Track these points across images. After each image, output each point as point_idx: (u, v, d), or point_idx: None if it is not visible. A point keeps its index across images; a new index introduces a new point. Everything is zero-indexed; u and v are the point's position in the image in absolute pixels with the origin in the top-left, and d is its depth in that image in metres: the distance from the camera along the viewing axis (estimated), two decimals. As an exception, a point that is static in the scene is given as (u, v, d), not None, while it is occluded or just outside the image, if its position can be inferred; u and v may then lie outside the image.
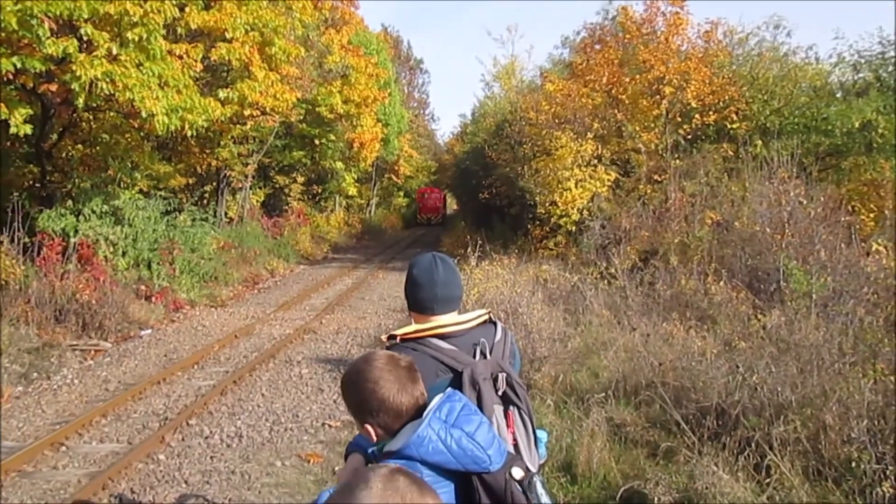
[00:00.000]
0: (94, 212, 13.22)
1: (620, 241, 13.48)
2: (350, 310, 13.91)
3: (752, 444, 4.37)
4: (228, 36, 14.55)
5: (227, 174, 21.92)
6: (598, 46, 17.85)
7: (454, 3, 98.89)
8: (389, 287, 16.96)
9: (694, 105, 15.64)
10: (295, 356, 9.87)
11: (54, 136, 14.23)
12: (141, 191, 15.69)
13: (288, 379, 8.71)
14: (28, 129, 11.33)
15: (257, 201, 25.94)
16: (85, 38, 11.29)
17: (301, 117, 24.87)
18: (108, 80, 11.16)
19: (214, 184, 22.51)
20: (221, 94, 15.02)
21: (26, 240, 11.43)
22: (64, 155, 14.86)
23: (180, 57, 13.41)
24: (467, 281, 8.05)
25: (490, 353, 2.26)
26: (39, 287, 10.76)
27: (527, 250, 16.80)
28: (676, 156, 15.36)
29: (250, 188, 24.37)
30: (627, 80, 16.44)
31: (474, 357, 2.23)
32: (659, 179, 15.37)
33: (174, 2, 12.41)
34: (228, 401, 7.73)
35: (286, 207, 28.10)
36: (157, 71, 12.11)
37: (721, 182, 13.57)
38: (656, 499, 4.05)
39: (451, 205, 57.34)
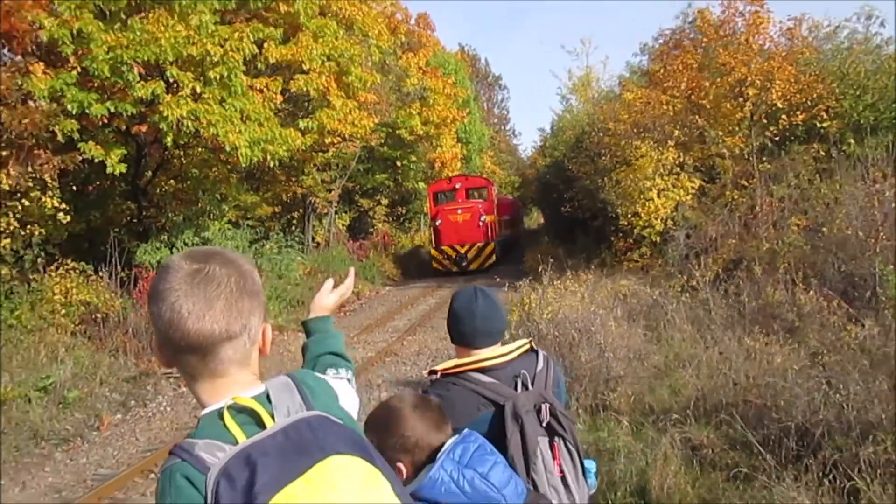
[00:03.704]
0: (185, 244, 13.82)
1: (707, 249, 13.06)
2: (431, 330, 13.96)
3: (839, 467, 4.11)
4: (305, 67, 15.02)
5: (313, 200, 22.54)
6: (675, 52, 17.42)
7: (529, 17, 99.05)
8: (472, 306, 16.92)
9: (780, 105, 15.00)
10: (375, 379, 9.99)
11: (149, 174, 15.01)
12: (230, 221, 16.30)
13: (367, 402, 8.78)
14: (122, 168, 12.01)
15: (343, 225, 26.54)
16: (171, 80, 11.88)
17: (382, 141, 25.35)
18: (192, 117, 11.71)
19: (301, 210, 23.19)
20: (301, 123, 15.53)
21: (123, 273, 12.04)
22: (158, 190, 15.66)
23: (261, 90, 13.93)
24: (540, 301, 7.97)
25: (532, 383, 2.25)
26: (136, 318, 11.31)
27: (610, 263, 16.49)
28: (764, 159, 14.79)
29: (335, 213, 24.97)
30: (708, 84, 15.95)
31: (515, 389, 2.22)
32: (746, 184, 14.83)
33: (253, 39, 12.90)
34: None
35: (371, 230, 28.62)
36: (238, 106, 12.62)
37: (812, 184, 12.99)
38: (731, 526, 3.87)
39: (539, 219, 49.61)
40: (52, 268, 11.46)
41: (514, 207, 32.88)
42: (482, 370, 2.25)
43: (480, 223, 23.14)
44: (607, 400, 6.06)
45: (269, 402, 1.19)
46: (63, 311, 10.95)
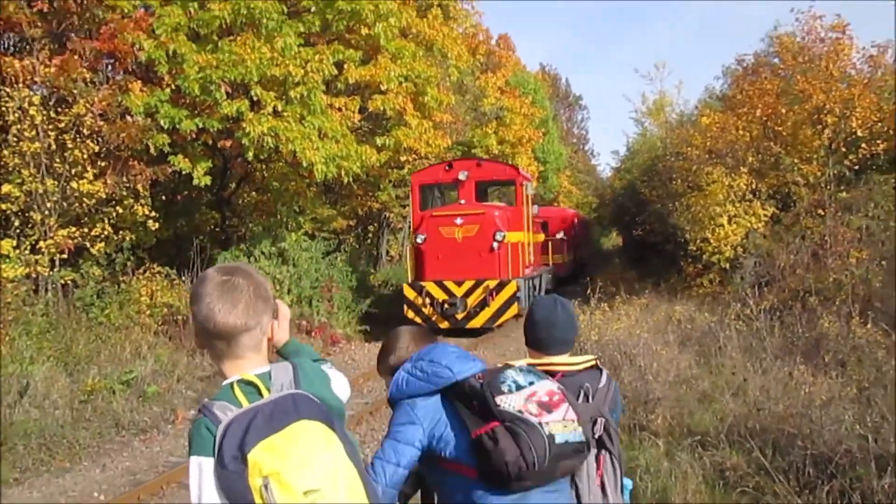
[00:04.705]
0: (263, 253, 14.59)
1: (775, 278, 12.90)
2: (494, 347, 14.19)
3: (852, 497, 4.20)
4: (383, 88, 15.57)
5: (387, 215, 23.19)
6: (752, 77, 17.26)
7: (614, 43, 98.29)
8: (537, 324, 17.07)
9: (860, 134, 14.69)
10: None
11: (232, 186, 15.90)
12: (306, 233, 17.02)
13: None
14: (207, 180, 12.83)
15: (417, 240, 27.05)
16: (255, 98, 12.64)
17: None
18: (272, 134, 12.41)
19: (376, 225, 23.89)
20: (379, 141, 16.11)
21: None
22: (240, 202, 16.55)
23: (339, 109, 14.56)
24: (588, 322, 8.16)
25: (592, 397, 2.42)
26: (213, 322, 12.00)
27: (679, 288, 16.40)
28: (841, 188, 14.49)
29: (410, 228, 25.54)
30: (785, 110, 15.73)
31: (577, 399, 2.36)
32: (822, 213, 14.55)
33: (333, 61, 13.56)
34: (362, 430, 8.31)
35: (445, 246, 29.09)
36: (317, 124, 13.26)
37: (891, 215, 12.71)
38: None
39: (618, 240, 47.36)
40: (140, 271, 12.32)
41: (573, 223, 25.33)
42: (552, 374, 2.40)
43: (495, 244, 14.10)
44: (644, 421, 6.24)
45: (271, 378, 1.61)
46: (148, 312, 11.78)
